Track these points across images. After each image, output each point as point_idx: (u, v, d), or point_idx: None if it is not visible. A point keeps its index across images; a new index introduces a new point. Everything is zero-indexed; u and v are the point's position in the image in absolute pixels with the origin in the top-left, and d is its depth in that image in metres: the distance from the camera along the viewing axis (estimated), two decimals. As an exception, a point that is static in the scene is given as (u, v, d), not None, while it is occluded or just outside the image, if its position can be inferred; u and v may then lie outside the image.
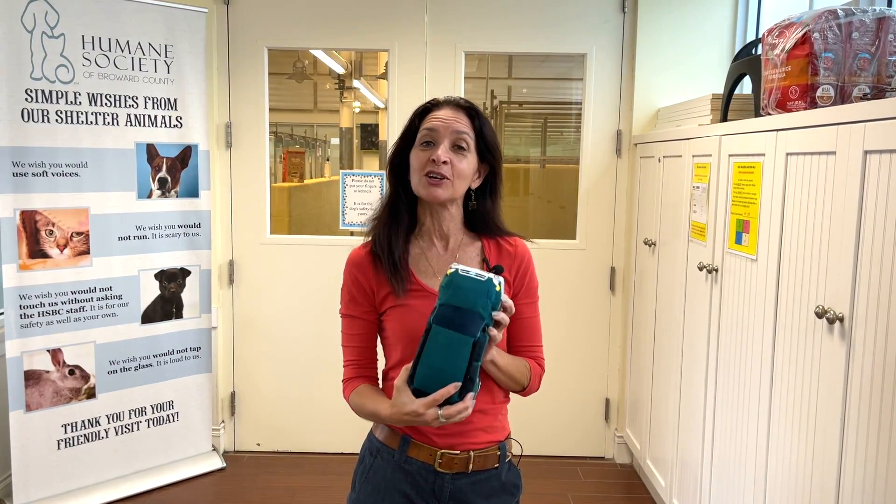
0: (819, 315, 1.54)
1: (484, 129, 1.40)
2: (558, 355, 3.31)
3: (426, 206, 1.42)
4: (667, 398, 2.70)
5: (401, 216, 1.43)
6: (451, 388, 1.21)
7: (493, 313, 1.22)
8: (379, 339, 1.47)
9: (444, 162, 1.34)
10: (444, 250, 1.44)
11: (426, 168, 1.35)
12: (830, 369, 1.53)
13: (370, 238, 1.45)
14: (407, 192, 1.43)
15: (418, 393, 1.24)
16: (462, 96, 1.46)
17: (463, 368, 1.21)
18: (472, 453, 1.39)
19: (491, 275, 1.22)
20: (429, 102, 1.43)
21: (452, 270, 1.23)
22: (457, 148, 1.37)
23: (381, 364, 1.48)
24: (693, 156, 2.43)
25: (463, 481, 1.39)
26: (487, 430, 1.41)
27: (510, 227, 1.50)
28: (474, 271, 1.22)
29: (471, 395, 1.22)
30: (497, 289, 1.21)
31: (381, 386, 1.47)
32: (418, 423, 1.24)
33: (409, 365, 1.26)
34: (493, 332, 1.23)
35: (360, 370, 1.46)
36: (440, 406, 1.22)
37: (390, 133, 3.29)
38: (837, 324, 1.49)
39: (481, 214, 1.46)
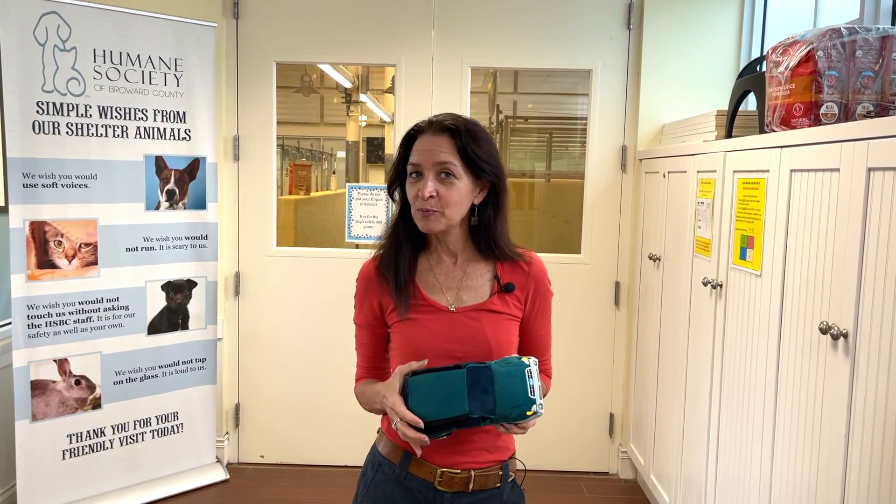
0: (823, 331, 1.54)
1: (470, 148, 1.33)
2: (562, 369, 3.30)
3: None
4: (671, 413, 2.69)
5: (408, 235, 1.43)
6: (415, 424, 1.23)
7: (505, 420, 1.24)
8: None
9: (431, 196, 1.32)
10: (454, 265, 1.44)
11: (416, 202, 1.35)
12: (835, 385, 1.53)
13: (379, 252, 1.45)
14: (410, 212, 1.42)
15: (405, 390, 1.28)
16: (451, 112, 1.41)
17: (438, 416, 1.24)
18: (472, 472, 1.37)
19: (539, 406, 1.23)
20: (413, 129, 1.41)
21: (528, 362, 1.25)
22: (444, 176, 1.33)
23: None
24: (698, 171, 2.44)
25: (463, 500, 1.38)
26: (490, 450, 1.40)
27: (515, 243, 1.47)
28: (538, 384, 1.24)
29: (425, 438, 1.23)
30: (528, 414, 1.23)
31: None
32: (387, 410, 1.29)
33: (424, 363, 1.30)
34: (495, 426, 1.27)
35: (369, 372, 1.48)
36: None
37: (396, 147, 3.31)
38: (842, 340, 1.49)
39: (484, 230, 1.41)
